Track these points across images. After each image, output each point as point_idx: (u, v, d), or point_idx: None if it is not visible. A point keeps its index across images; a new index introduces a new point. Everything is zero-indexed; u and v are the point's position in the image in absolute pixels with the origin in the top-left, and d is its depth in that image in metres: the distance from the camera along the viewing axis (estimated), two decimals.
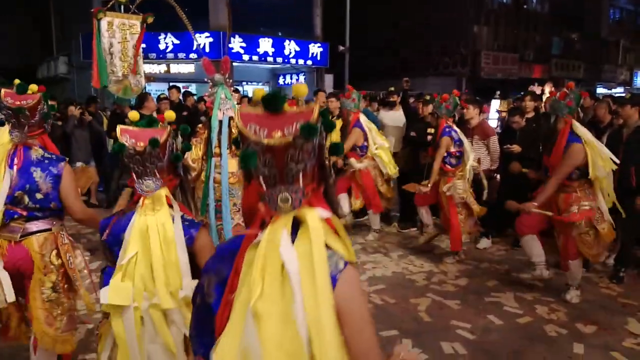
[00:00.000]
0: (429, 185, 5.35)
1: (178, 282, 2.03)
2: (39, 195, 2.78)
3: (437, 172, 5.34)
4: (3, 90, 2.93)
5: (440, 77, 24.31)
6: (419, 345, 3.72)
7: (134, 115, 2.21)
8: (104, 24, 6.45)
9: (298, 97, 1.29)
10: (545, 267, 4.57)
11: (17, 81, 2.95)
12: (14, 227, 2.76)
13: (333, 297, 1.14)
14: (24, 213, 2.77)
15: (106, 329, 2.12)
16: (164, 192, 2.09)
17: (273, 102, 1.21)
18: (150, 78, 7.38)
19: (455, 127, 5.42)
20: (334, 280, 1.16)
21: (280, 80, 20.39)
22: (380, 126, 7.03)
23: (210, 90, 5.04)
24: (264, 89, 15.73)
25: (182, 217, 2.11)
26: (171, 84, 10.29)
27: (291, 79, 19.87)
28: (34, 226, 2.80)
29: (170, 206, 2.11)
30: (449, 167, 5.34)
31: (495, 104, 8.97)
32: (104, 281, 2.10)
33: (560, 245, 4.43)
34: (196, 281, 1.80)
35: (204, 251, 2.05)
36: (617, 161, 4.27)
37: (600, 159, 4.16)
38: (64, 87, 17.76)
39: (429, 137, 6.25)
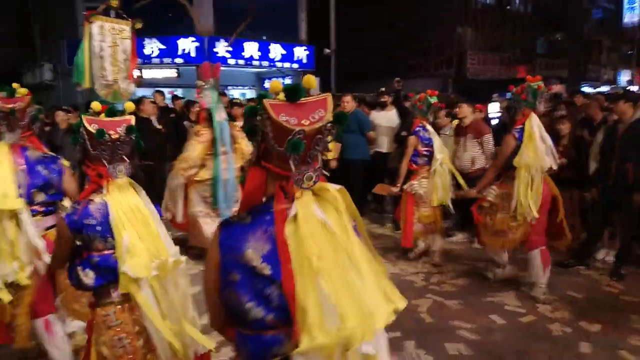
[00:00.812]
0: (398, 185, 5.38)
1: (164, 252, 2.25)
2: (52, 191, 3.07)
3: (404, 172, 5.34)
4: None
5: (426, 78, 24.36)
6: (423, 346, 3.65)
7: (96, 105, 2.34)
8: (95, 27, 6.34)
9: (309, 88, 1.44)
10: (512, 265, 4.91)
11: (16, 85, 3.13)
12: (37, 224, 2.98)
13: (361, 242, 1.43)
14: (42, 209, 3.05)
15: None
16: (125, 180, 2.29)
17: (295, 93, 1.40)
18: (139, 82, 7.28)
19: (428, 127, 5.36)
20: (357, 233, 1.46)
21: (266, 84, 20.29)
22: (372, 127, 7.00)
23: (201, 94, 5.05)
24: (251, 92, 15.67)
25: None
26: (156, 89, 10.16)
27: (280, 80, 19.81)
28: (51, 220, 3.07)
29: (134, 188, 2.31)
30: (414, 165, 5.33)
31: (495, 105, 9.03)
32: (106, 262, 2.22)
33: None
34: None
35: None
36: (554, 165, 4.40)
37: (532, 152, 4.28)
38: (49, 94, 17.49)
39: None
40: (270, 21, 18.16)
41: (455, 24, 26.14)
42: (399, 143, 6.72)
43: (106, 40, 6.44)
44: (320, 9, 18.02)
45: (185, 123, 8.27)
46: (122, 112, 2.40)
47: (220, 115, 5.20)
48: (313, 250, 1.34)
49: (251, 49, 17.27)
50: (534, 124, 4.34)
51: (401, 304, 1.43)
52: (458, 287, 4.79)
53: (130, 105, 2.41)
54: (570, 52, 31.20)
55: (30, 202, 2.97)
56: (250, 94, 18.92)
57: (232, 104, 8.51)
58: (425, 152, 5.30)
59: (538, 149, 4.28)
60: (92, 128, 2.21)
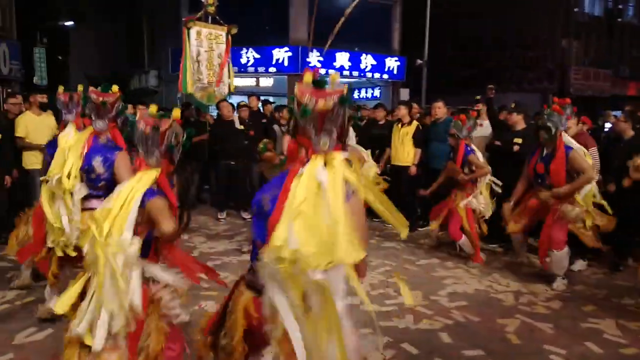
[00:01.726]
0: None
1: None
2: (92, 175, 3.49)
3: (519, 193, 5.22)
4: (90, 88, 3.68)
5: (525, 92, 23.16)
6: None
7: (153, 108, 2.64)
8: (193, 33, 6.69)
9: (333, 82, 1.93)
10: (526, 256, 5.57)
11: (115, 87, 3.71)
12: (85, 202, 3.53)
13: (346, 204, 1.80)
14: (87, 191, 3.51)
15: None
16: (154, 172, 2.49)
17: (319, 83, 1.91)
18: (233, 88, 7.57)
19: (473, 147, 5.63)
20: (348, 197, 1.84)
21: (355, 94, 20.29)
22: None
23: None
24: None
25: (150, 188, 2.46)
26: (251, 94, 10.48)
27: (366, 93, 19.74)
28: (89, 204, 3.51)
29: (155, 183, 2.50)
30: (470, 182, 5.56)
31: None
32: None
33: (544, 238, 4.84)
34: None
35: (155, 213, 2.42)
36: None
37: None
38: (153, 99, 18.73)
39: (516, 148, 5.88)
40: (363, 31, 18.21)
41: (559, 36, 24.73)
42: (491, 153, 6.42)
43: (203, 45, 6.74)
44: (414, 20, 17.79)
45: (275, 127, 8.46)
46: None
47: None
48: (301, 197, 1.79)
49: (342, 58, 17.39)
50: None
51: (361, 254, 1.75)
52: (551, 310, 4.43)
53: (177, 113, 2.65)
54: None
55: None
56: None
57: (277, 108, 8.71)
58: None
59: None
60: (139, 124, 2.52)
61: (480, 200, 5.56)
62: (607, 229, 4.88)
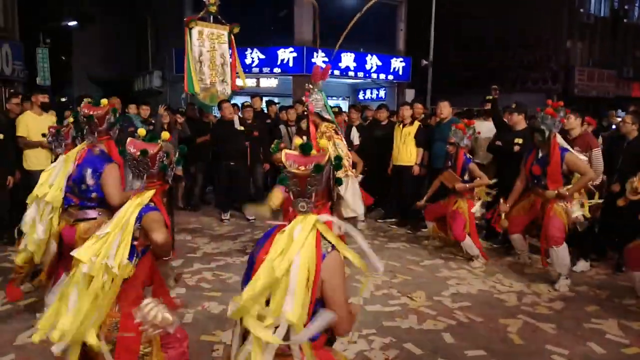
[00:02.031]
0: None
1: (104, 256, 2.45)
2: (83, 187, 3.51)
3: (518, 191, 5.34)
4: (83, 103, 3.76)
5: (529, 93, 23.11)
6: None
7: (142, 131, 2.70)
8: (195, 33, 6.70)
9: (322, 148, 2.10)
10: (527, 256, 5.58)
11: (105, 101, 3.72)
12: (71, 212, 3.58)
13: (321, 266, 1.94)
14: (77, 201, 3.56)
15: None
16: (149, 193, 2.59)
17: (304, 149, 2.05)
18: (239, 87, 7.58)
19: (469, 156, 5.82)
20: (324, 256, 1.97)
21: (360, 95, 20.30)
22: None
23: (310, 97, 5.09)
24: (345, 103, 15.96)
25: (147, 205, 2.56)
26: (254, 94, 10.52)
27: (371, 93, 19.75)
28: (84, 214, 3.57)
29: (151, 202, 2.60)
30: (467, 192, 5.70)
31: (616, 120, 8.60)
32: None
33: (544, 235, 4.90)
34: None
35: (150, 223, 2.50)
36: None
37: None
38: (157, 99, 18.78)
39: (516, 148, 5.91)
40: (368, 32, 18.21)
41: (564, 37, 24.67)
42: (493, 153, 6.43)
43: (205, 45, 6.75)
44: (419, 20, 17.80)
45: (281, 127, 8.48)
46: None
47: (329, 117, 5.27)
48: (275, 254, 1.96)
49: (348, 59, 17.41)
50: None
51: (294, 318, 1.86)
52: (554, 311, 4.44)
53: (165, 135, 2.76)
54: None
55: (70, 192, 3.57)
56: (344, 104, 19.06)
57: (282, 108, 8.72)
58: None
59: None
60: (129, 148, 2.59)
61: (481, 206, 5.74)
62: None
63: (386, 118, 7.92)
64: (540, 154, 4.95)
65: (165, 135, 2.77)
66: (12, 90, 11.13)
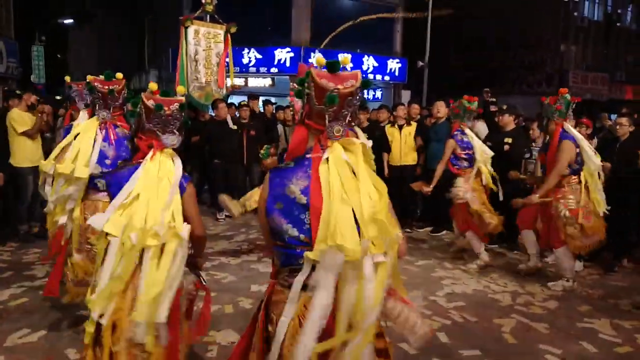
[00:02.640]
0: (431, 187, 5.71)
1: (158, 223, 2.30)
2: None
3: (439, 174, 5.64)
4: (90, 77, 3.66)
5: (525, 95, 23.26)
6: None
7: (153, 85, 2.63)
8: (190, 31, 6.70)
9: (345, 64, 1.94)
10: (539, 258, 5.35)
11: (120, 75, 3.65)
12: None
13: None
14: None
15: None
16: (170, 151, 2.52)
17: (333, 66, 1.92)
18: (236, 87, 7.59)
19: (466, 131, 5.58)
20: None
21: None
22: None
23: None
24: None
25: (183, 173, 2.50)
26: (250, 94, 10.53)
27: (368, 94, 19.81)
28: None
29: (173, 162, 2.51)
30: (457, 169, 5.52)
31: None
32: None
33: (543, 234, 5.00)
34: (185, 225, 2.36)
35: (190, 200, 2.48)
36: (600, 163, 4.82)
37: (589, 157, 4.76)
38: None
39: (506, 147, 5.99)
40: (366, 33, 18.28)
41: (558, 40, 24.83)
42: None
43: (201, 44, 6.77)
44: (416, 22, 17.86)
45: (278, 126, 8.50)
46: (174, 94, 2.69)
47: None
48: (337, 184, 1.83)
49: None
50: (577, 133, 4.85)
51: (398, 231, 1.93)
52: (547, 310, 4.49)
53: (181, 89, 2.74)
54: None
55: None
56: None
57: (278, 108, 8.74)
58: (464, 156, 5.48)
59: (591, 154, 4.77)
60: (150, 104, 2.48)
61: (461, 190, 5.44)
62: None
63: (387, 119, 7.94)
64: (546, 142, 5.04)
65: (181, 89, 2.74)
66: (6, 88, 11.11)
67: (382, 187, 1.91)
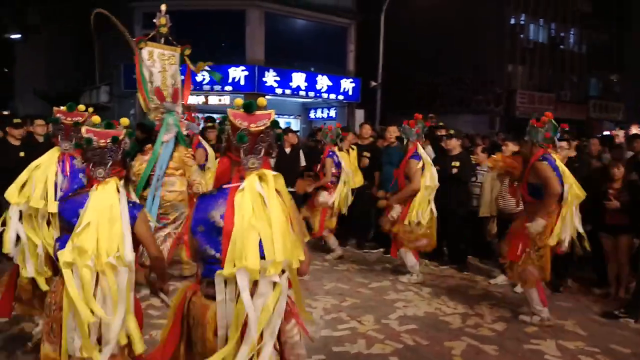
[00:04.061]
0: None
1: (116, 249, 2.50)
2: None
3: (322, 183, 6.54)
4: (55, 108, 3.61)
5: (473, 114, 24.01)
6: None
7: (96, 119, 2.74)
8: (145, 53, 6.59)
9: (261, 106, 2.27)
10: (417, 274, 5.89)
11: (82, 107, 3.68)
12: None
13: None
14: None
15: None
16: (114, 180, 2.62)
17: (249, 107, 2.23)
18: (191, 108, 7.48)
19: (337, 152, 6.61)
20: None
21: (312, 114, 20.50)
22: None
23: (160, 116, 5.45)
24: (297, 121, 15.95)
25: (127, 200, 2.64)
26: (207, 115, 10.40)
27: (322, 113, 19.99)
28: None
29: (118, 191, 2.62)
30: (329, 184, 6.53)
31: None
32: (59, 246, 2.57)
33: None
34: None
35: (142, 224, 2.65)
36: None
37: (574, 186, 4.50)
38: (104, 115, 18.25)
39: (454, 171, 6.17)
40: (319, 53, 18.49)
41: (505, 61, 25.82)
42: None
43: (156, 65, 6.66)
44: (369, 42, 18.20)
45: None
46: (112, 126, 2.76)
47: (165, 137, 5.44)
48: (249, 211, 2.11)
49: (299, 79, 17.58)
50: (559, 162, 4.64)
51: (302, 256, 2.17)
52: (496, 332, 4.59)
53: (125, 121, 2.79)
54: (627, 93, 30.30)
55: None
56: (295, 123, 19.17)
57: (205, 129, 8.70)
58: (336, 174, 6.54)
59: (576, 183, 4.55)
60: (89, 136, 2.60)
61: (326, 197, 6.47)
62: None
63: (369, 137, 7.84)
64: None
65: (125, 121, 2.77)
66: None
67: (293, 214, 2.24)
